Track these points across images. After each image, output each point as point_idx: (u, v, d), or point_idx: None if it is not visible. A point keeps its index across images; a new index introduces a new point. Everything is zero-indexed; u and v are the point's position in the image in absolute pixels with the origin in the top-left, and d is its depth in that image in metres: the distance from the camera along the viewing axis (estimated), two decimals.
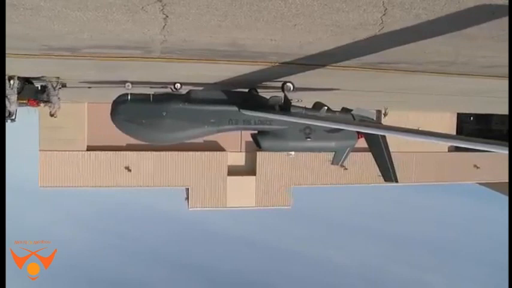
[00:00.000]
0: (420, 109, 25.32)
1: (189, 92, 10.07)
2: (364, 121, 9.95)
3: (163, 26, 5.23)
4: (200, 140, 22.20)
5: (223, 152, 26.64)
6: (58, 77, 11.53)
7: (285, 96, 9.56)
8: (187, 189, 26.99)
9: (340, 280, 53.27)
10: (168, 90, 10.93)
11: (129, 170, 25.63)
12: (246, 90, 10.82)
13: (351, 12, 4.67)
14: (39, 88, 11.82)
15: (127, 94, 9.98)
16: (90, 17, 4.90)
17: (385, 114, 23.25)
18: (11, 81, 10.49)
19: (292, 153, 14.09)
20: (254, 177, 27.10)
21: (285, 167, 27.08)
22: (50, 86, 11.69)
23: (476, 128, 31.76)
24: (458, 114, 29.93)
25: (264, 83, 10.59)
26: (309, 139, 10.00)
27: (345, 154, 10.90)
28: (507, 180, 24.84)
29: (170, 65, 8.23)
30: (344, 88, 11.66)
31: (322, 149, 11.27)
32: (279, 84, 9.72)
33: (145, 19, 4.97)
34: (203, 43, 6.36)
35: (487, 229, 52.32)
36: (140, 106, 9.74)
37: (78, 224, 54.32)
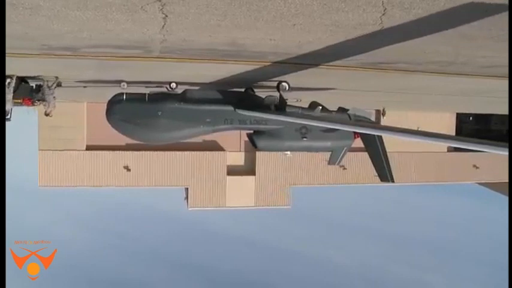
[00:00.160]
0: (420, 109, 25.32)
1: (184, 92, 10.04)
2: (360, 121, 9.92)
3: (163, 26, 5.23)
4: (199, 139, 22.21)
5: (223, 152, 26.63)
6: (57, 77, 11.48)
7: (281, 95, 9.54)
8: (187, 189, 26.97)
9: (340, 280, 53.27)
10: (164, 89, 10.91)
11: (129, 170, 25.62)
12: (243, 89, 10.80)
13: (351, 12, 4.67)
14: (34, 87, 11.71)
15: (122, 94, 9.94)
16: (90, 16, 4.90)
17: (383, 114, 23.24)
18: (8, 80, 10.43)
19: (289, 152, 13.99)
20: (253, 177, 27.08)
21: (284, 167, 27.05)
22: (45, 85, 11.58)
23: (476, 128, 31.78)
24: (457, 114, 29.96)
25: (261, 83, 10.57)
26: (305, 139, 9.96)
27: (342, 154, 10.88)
28: (507, 180, 24.92)
29: (170, 65, 8.22)
30: (343, 88, 11.64)
31: (319, 148, 11.21)
32: (275, 84, 9.71)
33: (144, 19, 4.97)
34: (203, 43, 6.36)
35: (487, 229, 52.29)
36: (135, 106, 9.70)
37: (78, 224, 54.30)
